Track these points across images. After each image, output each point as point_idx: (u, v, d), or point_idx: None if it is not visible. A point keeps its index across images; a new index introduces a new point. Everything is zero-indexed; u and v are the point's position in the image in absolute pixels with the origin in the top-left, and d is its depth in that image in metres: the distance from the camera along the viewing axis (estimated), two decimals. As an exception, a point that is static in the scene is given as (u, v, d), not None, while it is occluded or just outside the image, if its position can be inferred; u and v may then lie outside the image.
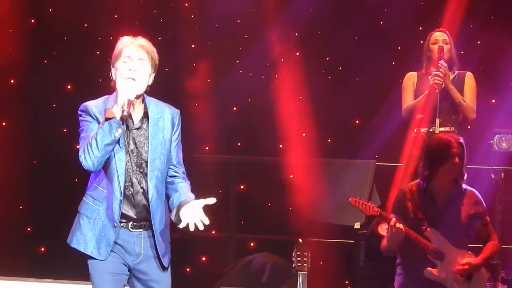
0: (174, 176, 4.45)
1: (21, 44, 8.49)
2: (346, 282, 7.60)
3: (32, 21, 8.91)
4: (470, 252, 5.76)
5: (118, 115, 4.18)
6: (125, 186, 4.30)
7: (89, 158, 4.20)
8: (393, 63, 8.70)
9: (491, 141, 7.49)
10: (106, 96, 4.38)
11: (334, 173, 7.81)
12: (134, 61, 4.31)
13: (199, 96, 8.50)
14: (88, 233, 4.33)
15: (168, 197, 4.44)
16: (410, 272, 5.72)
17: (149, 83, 4.37)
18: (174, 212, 4.33)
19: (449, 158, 5.65)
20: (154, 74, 4.39)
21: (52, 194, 8.29)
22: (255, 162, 8.61)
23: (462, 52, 7.28)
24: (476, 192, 5.85)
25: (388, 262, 6.18)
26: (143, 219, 4.36)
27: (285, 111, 8.36)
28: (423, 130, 6.65)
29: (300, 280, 5.33)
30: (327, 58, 9.00)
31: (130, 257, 4.35)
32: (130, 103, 4.21)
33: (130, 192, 4.33)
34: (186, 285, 7.53)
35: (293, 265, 5.37)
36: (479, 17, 8.38)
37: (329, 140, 8.79)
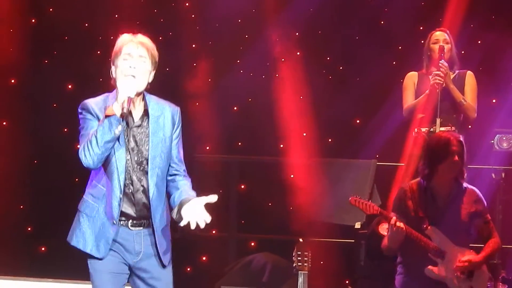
0: (175, 174, 4.45)
1: (22, 44, 8.49)
2: (347, 282, 7.59)
3: (33, 20, 8.91)
4: (471, 250, 5.75)
5: (118, 112, 4.17)
6: (125, 184, 4.30)
7: (89, 155, 4.20)
8: (394, 62, 8.70)
9: (492, 141, 7.49)
10: (106, 94, 4.37)
11: (334, 173, 7.81)
12: (134, 58, 4.31)
13: (199, 95, 8.50)
14: (87, 231, 4.32)
15: (169, 195, 4.44)
16: (411, 271, 5.72)
17: (149, 81, 4.37)
18: (175, 210, 4.32)
19: (448, 156, 5.65)
20: (154, 71, 4.39)
21: (53, 193, 8.30)
22: (255, 161, 8.62)
23: (462, 52, 7.28)
24: (477, 190, 5.85)
25: (388, 261, 6.18)
26: (143, 217, 4.36)
27: (286, 111, 8.36)
28: (423, 129, 6.64)
29: (300, 279, 5.33)
30: (328, 58, 9.00)
31: (130, 255, 4.35)
32: (130, 100, 4.21)
33: (130, 190, 4.32)
34: (187, 284, 7.52)
35: (294, 265, 5.37)
36: (479, 16, 8.38)
37: (329, 140, 8.79)
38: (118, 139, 4.24)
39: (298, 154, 8.16)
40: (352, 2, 8.80)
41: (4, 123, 8.70)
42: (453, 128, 6.55)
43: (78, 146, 4.27)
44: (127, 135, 4.32)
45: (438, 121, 6.55)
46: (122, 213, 4.32)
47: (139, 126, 4.36)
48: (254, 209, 8.35)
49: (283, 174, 8.05)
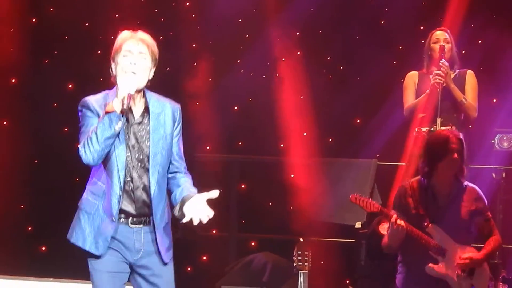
0: (176, 172, 4.44)
1: (22, 44, 8.49)
2: (347, 282, 7.59)
3: (33, 20, 8.92)
4: (472, 247, 5.75)
5: (118, 109, 4.17)
6: (124, 181, 4.29)
7: (89, 152, 4.19)
8: (394, 62, 8.70)
9: (492, 141, 7.49)
10: (106, 91, 4.37)
11: (335, 173, 7.81)
12: (134, 55, 4.30)
13: (200, 95, 8.49)
14: (87, 228, 4.32)
15: (169, 192, 4.43)
16: (411, 269, 5.72)
17: (150, 78, 4.37)
18: (177, 207, 4.32)
19: (447, 154, 5.65)
20: (154, 68, 4.39)
21: (53, 193, 8.30)
22: (256, 161, 8.61)
23: (463, 52, 7.28)
24: (477, 188, 5.85)
25: (389, 261, 6.18)
26: (143, 215, 4.35)
27: (286, 111, 8.36)
28: (424, 129, 6.64)
29: (301, 279, 5.33)
30: (328, 58, 9.00)
31: (130, 253, 4.34)
32: (131, 96, 4.21)
33: (130, 188, 4.32)
34: (187, 284, 7.51)
35: (294, 265, 5.37)
36: (480, 16, 8.37)
37: (330, 140, 8.79)
38: (118, 135, 4.24)
39: (299, 153, 8.16)
40: (352, 1, 8.80)
41: (5, 123, 8.70)
42: (454, 128, 6.54)
43: (78, 148, 4.26)
44: (127, 132, 4.32)
45: (438, 120, 6.55)
46: (122, 211, 4.31)
47: (139, 123, 4.35)
48: (255, 208, 8.35)
49: (284, 173, 8.05)
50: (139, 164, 4.33)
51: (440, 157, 5.68)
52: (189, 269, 8.25)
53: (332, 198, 7.53)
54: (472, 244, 5.82)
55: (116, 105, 4.18)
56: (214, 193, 4.26)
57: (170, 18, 8.81)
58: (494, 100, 8.48)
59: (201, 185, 4.45)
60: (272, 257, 7.47)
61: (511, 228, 7.16)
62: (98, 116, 4.25)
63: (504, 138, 7.47)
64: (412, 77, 6.85)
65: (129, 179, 4.31)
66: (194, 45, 8.82)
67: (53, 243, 8.14)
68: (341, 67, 9.00)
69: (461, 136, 5.76)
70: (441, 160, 5.68)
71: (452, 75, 6.69)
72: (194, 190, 4.37)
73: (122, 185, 4.28)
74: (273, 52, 8.59)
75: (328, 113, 8.49)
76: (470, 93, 6.71)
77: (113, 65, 4.35)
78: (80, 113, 4.33)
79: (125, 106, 4.18)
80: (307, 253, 5.36)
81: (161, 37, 8.27)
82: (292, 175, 8.05)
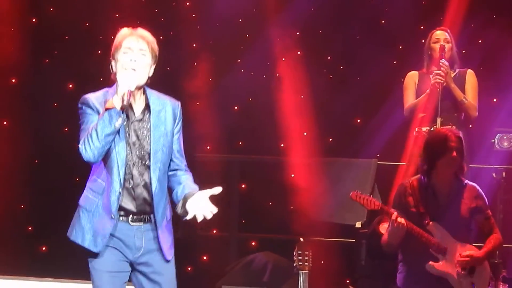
0: (177, 169, 4.44)
1: (22, 44, 8.50)
2: (347, 281, 7.59)
3: (34, 20, 8.92)
4: (472, 246, 5.75)
5: (118, 105, 4.17)
6: (124, 178, 4.28)
7: (89, 149, 4.19)
8: (395, 62, 8.70)
9: (493, 140, 7.48)
10: (106, 89, 4.36)
11: (335, 172, 7.81)
12: (134, 51, 4.31)
13: (200, 95, 8.49)
14: (86, 226, 4.31)
15: (170, 189, 4.43)
16: (412, 267, 5.71)
17: (150, 75, 4.36)
18: (180, 205, 4.32)
19: (446, 152, 5.65)
20: (155, 65, 4.38)
21: (54, 193, 8.30)
22: (256, 161, 8.62)
23: (463, 51, 7.28)
24: (477, 186, 5.85)
25: (389, 260, 6.17)
26: (144, 212, 4.34)
27: (286, 110, 8.36)
28: (424, 129, 6.64)
29: (301, 279, 5.33)
30: (329, 57, 9.01)
31: (130, 251, 4.34)
32: (131, 93, 4.20)
33: (131, 185, 4.31)
34: (188, 284, 7.50)
35: (295, 264, 5.37)
36: (480, 15, 8.37)
37: (330, 139, 8.79)
38: (118, 132, 4.23)
39: (299, 153, 8.16)
40: (352, 1, 8.80)
41: (5, 123, 8.70)
42: (454, 127, 6.54)
43: (79, 145, 4.26)
44: (127, 129, 4.31)
45: (439, 120, 6.55)
46: (122, 208, 4.30)
47: (140, 120, 4.35)
48: (255, 208, 8.35)
49: (284, 173, 8.05)
50: (140, 161, 4.32)
51: (439, 155, 5.68)
52: (189, 269, 8.25)
53: (332, 198, 7.52)
54: (473, 243, 5.82)
55: (116, 102, 4.17)
56: (217, 190, 4.26)
57: (170, 18, 8.81)
58: (495, 100, 8.48)
59: (201, 185, 4.45)
60: (273, 257, 7.47)
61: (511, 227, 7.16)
62: (98, 113, 4.24)
63: (504, 137, 7.47)
64: (412, 77, 6.85)
65: (129, 176, 4.30)
66: (194, 45, 8.82)
67: (54, 243, 8.14)
68: (341, 67, 9.00)
69: (461, 135, 5.76)
70: (440, 158, 5.68)
71: (452, 75, 6.69)
72: (196, 187, 4.37)
73: (122, 182, 4.27)
74: (273, 52, 8.58)
75: (328, 113, 8.49)
76: (470, 92, 6.71)
77: (113, 62, 4.35)
78: (80, 111, 4.32)
79: (125, 103, 4.17)
80: (307, 253, 5.36)
81: (161, 37, 8.28)
82: (293, 175, 8.05)
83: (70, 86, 8.84)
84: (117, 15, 8.57)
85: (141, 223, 4.34)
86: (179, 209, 4.32)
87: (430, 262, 5.61)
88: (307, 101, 8.37)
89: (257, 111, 8.59)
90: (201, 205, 4.24)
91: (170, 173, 4.43)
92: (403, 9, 8.48)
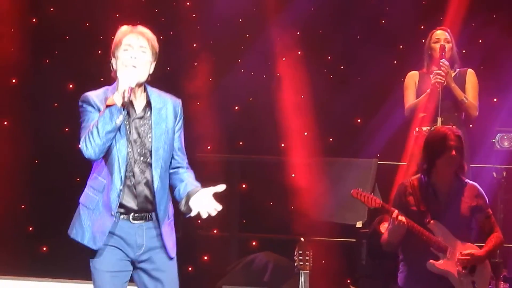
0: (178, 167, 4.44)
1: (23, 44, 8.50)
2: (348, 281, 7.59)
3: (34, 20, 8.92)
4: (474, 245, 5.75)
5: (119, 102, 4.16)
6: (126, 176, 4.27)
7: (90, 146, 4.18)
8: (395, 62, 8.70)
9: (493, 140, 7.48)
10: (107, 87, 4.35)
11: (335, 172, 7.81)
12: (135, 48, 4.30)
13: (200, 95, 8.49)
14: (86, 223, 4.30)
15: (172, 187, 4.42)
16: (412, 266, 5.71)
17: (150, 72, 4.36)
18: (183, 202, 4.31)
19: (445, 151, 5.65)
20: (155, 62, 4.38)
21: (54, 193, 8.29)
22: (256, 161, 8.62)
23: (463, 51, 7.28)
24: (478, 185, 5.85)
25: (390, 260, 6.17)
26: (145, 210, 4.33)
27: (287, 110, 8.36)
28: (424, 128, 6.64)
29: (302, 279, 5.33)
30: (329, 57, 9.01)
31: (131, 249, 4.32)
32: (131, 90, 4.20)
33: (132, 183, 4.30)
34: (188, 284, 7.48)
35: (295, 264, 5.37)
36: (480, 15, 8.37)
37: (330, 139, 8.79)
38: (119, 130, 4.23)
39: (299, 153, 8.16)
40: (352, 1, 8.80)
41: (5, 123, 8.70)
42: (454, 127, 6.54)
43: (80, 143, 4.25)
44: (128, 127, 4.31)
45: (439, 120, 6.55)
46: (123, 206, 4.29)
47: (141, 117, 4.34)
48: (256, 208, 8.35)
49: (284, 173, 8.05)
50: (141, 158, 4.31)
51: (439, 154, 5.68)
52: (190, 269, 8.24)
53: (333, 197, 7.52)
54: (474, 243, 5.82)
55: (116, 99, 4.17)
56: (221, 187, 4.26)
57: (170, 18, 8.82)
58: (495, 100, 8.48)
59: (202, 185, 4.44)
60: (273, 256, 7.47)
61: (512, 227, 7.17)
62: (99, 111, 4.24)
63: (505, 137, 7.47)
64: (412, 76, 6.85)
65: (130, 174, 4.29)
66: (194, 45, 8.82)
67: (54, 243, 8.14)
68: (342, 67, 9.00)
69: (460, 133, 5.75)
70: (439, 157, 5.67)
71: (453, 74, 6.69)
72: (198, 184, 4.37)
73: (123, 180, 4.26)
74: (274, 51, 8.58)
75: (328, 112, 8.49)
76: (470, 92, 6.71)
77: (113, 59, 4.35)
78: (80, 109, 4.32)
79: (126, 99, 4.17)
80: (308, 252, 5.36)
81: (161, 37, 8.28)
82: (293, 175, 8.05)
83: (71, 86, 8.84)
84: (117, 15, 8.56)
85: (142, 221, 4.33)
86: (182, 206, 4.31)
87: (431, 261, 5.61)
88: (307, 101, 8.37)
89: (258, 111, 8.59)
90: (204, 202, 4.23)
91: (171, 170, 4.42)
92: (403, 9, 8.48)
